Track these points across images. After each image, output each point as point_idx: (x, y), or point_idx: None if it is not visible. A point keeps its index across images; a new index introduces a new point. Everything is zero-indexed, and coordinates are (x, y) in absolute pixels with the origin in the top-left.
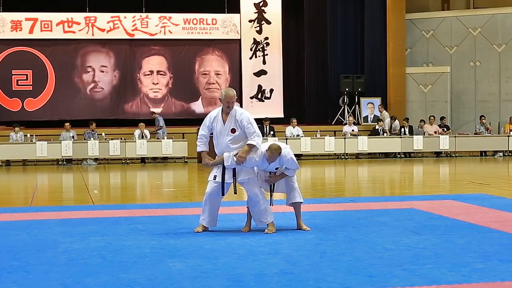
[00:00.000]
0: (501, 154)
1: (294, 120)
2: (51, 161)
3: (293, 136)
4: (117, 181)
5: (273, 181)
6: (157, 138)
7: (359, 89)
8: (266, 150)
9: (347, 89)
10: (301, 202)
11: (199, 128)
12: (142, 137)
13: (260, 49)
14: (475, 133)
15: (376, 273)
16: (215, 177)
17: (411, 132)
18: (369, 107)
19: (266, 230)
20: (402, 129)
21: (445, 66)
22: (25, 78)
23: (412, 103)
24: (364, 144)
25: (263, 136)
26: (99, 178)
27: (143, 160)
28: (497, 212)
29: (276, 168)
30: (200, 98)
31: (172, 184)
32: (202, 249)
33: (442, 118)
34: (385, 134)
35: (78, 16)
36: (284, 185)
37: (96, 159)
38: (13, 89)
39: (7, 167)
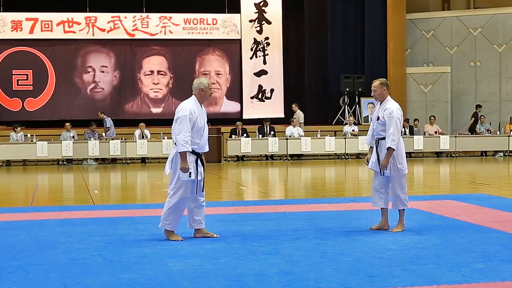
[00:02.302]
0: (501, 154)
1: (295, 120)
2: (51, 161)
3: (294, 136)
4: (118, 181)
5: (386, 165)
6: (106, 139)
7: (360, 89)
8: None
9: (347, 89)
10: (403, 209)
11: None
12: (143, 137)
13: (261, 49)
14: (475, 133)
15: (376, 273)
16: (190, 174)
17: (412, 132)
18: (370, 107)
19: (215, 234)
20: (403, 129)
21: (446, 66)
22: (25, 78)
23: (412, 103)
24: (364, 144)
25: (263, 136)
26: (100, 178)
27: (143, 160)
28: (497, 212)
29: (378, 119)
30: None
31: None
32: (202, 249)
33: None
34: None
35: (79, 16)
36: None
37: (96, 159)
38: (14, 89)
39: (8, 167)
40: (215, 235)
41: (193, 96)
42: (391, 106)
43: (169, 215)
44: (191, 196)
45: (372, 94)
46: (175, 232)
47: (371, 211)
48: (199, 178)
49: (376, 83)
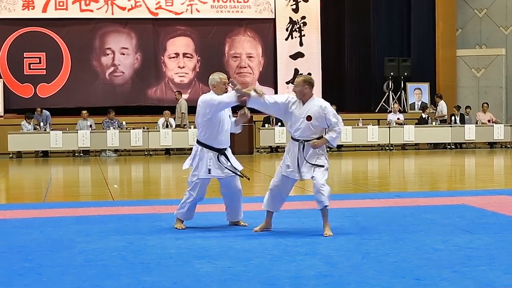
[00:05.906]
0: None
1: (334, 107)
2: (66, 152)
3: None
4: (139, 175)
5: (319, 145)
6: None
7: (405, 74)
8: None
9: (392, 74)
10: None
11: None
12: (167, 126)
13: (297, 30)
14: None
15: (423, 276)
16: (209, 171)
17: (463, 121)
18: (416, 93)
19: (243, 223)
20: (453, 118)
21: (500, 48)
22: (38, 62)
23: (463, 88)
24: (410, 133)
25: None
26: (120, 171)
27: (167, 151)
28: None
29: (309, 119)
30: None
31: None
32: (232, 250)
33: None
34: (433, 123)
35: None
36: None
37: (116, 151)
38: (25, 73)
39: (19, 159)
40: (243, 223)
41: (211, 91)
42: (324, 102)
43: (187, 208)
44: (227, 192)
45: (293, 89)
46: (183, 222)
47: (418, 208)
48: (229, 172)
49: (299, 79)
